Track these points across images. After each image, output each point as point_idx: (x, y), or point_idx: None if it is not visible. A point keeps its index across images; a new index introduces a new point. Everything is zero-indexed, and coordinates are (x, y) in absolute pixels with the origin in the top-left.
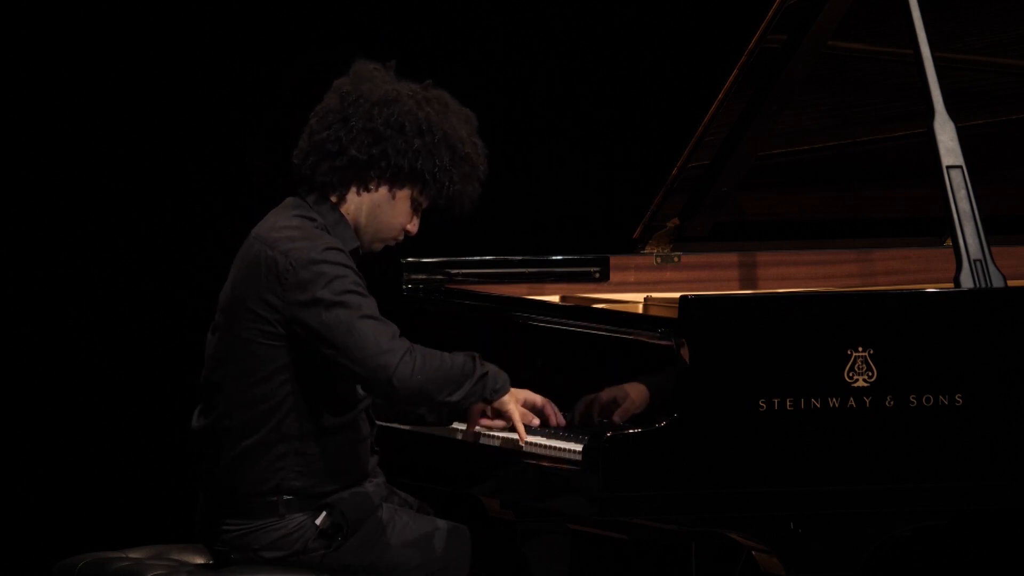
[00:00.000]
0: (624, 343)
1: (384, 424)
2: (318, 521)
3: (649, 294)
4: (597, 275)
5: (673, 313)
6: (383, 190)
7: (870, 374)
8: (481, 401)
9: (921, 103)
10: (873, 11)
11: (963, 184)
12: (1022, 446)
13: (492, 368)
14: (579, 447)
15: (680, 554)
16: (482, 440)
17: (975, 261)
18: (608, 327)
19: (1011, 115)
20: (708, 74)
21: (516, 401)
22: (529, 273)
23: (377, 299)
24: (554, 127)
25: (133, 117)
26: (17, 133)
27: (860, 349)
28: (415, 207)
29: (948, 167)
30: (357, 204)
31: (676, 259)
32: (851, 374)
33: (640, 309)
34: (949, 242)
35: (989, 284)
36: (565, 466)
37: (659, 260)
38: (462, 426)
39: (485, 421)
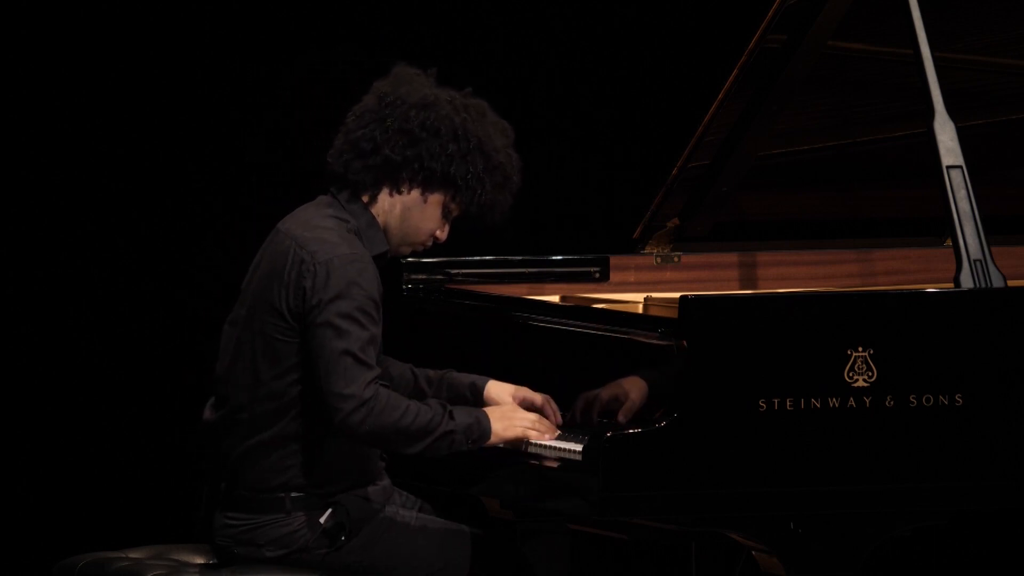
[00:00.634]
0: (624, 343)
1: None
2: (322, 520)
3: (649, 294)
4: (597, 275)
5: (673, 313)
6: (415, 193)
7: (870, 374)
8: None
9: (921, 103)
10: (873, 11)
11: (963, 184)
12: (1022, 446)
13: (465, 421)
14: (579, 447)
15: (680, 554)
16: None
17: (975, 261)
18: (608, 327)
19: (1011, 115)
20: (708, 74)
21: (513, 426)
22: (529, 273)
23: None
24: (554, 127)
25: (133, 117)
26: (17, 133)
27: (860, 349)
28: (446, 214)
29: (948, 167)
30: (389, 205)
31: (676, 259)
32: (851, 374)
33: (640, 309)
34: (949, 242)
35: (989, 284)
36: (565, 466)
37: (659, 260)
38: None
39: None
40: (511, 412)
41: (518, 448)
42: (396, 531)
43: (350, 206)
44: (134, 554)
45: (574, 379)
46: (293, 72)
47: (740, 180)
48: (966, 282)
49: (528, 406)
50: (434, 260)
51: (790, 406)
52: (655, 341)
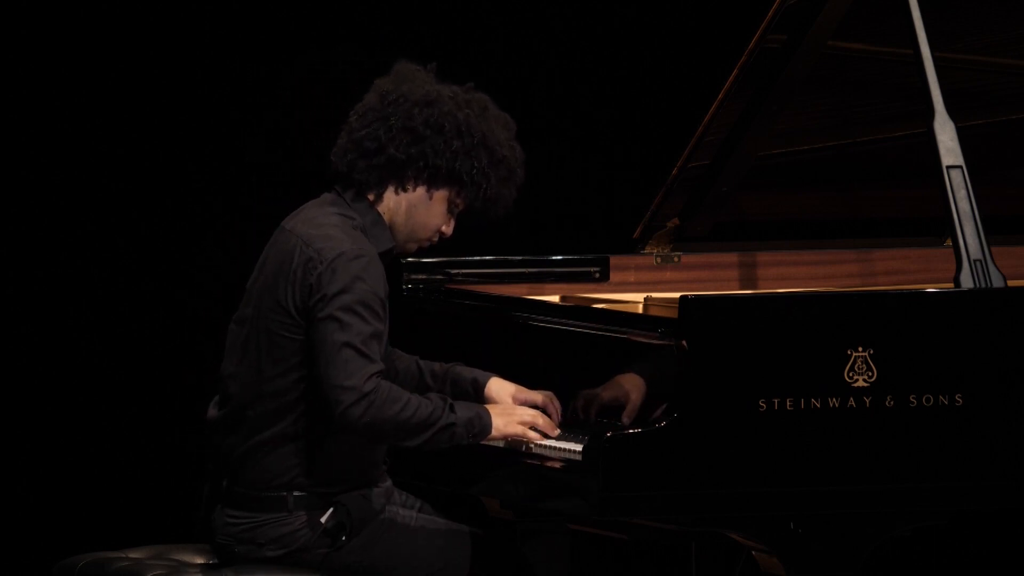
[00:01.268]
0: (624, 343)
1: None
2: (323, 519)
3: (649, 294)
4: (597, 275)
5: (673, 313)
6: (420, 190)
7: (870, 374)
8: (453, 449)
9: (921, 103)
10: (873, 11)
11: (963, 184)
12: (1022, 446)
13: (465, 415)
14: (579, 447)
15: (680, 554)
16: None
17: (975, 261)
18: (608, 327)
19: (1011, 115)
20: (708, 74)
21: (514, 423)
22: (529, 273)
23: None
24: (554, 127)
25: (133, 117)
26: (17, 133)
27: (860, 349)
28: (451, 209)
29: (948, 167)
30: (395, 203)
31: (676, 259)
32: (851, 374)
33: (640, 309)
34: (949, 242)
35: (989, 284)
36: (565, 466)
37: (659, 260)
38: None
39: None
40: (512, 408)
41: (518, 448)
42: (396, 531)
43: (356, 204)
44: (134, 554)
45: (574, 379)
46: (293, 72)
47: (740, 180)
48: (966, 282)
49: (530, 406)
50: (434, 260)
51: (790, 406)
52: (655, 341)
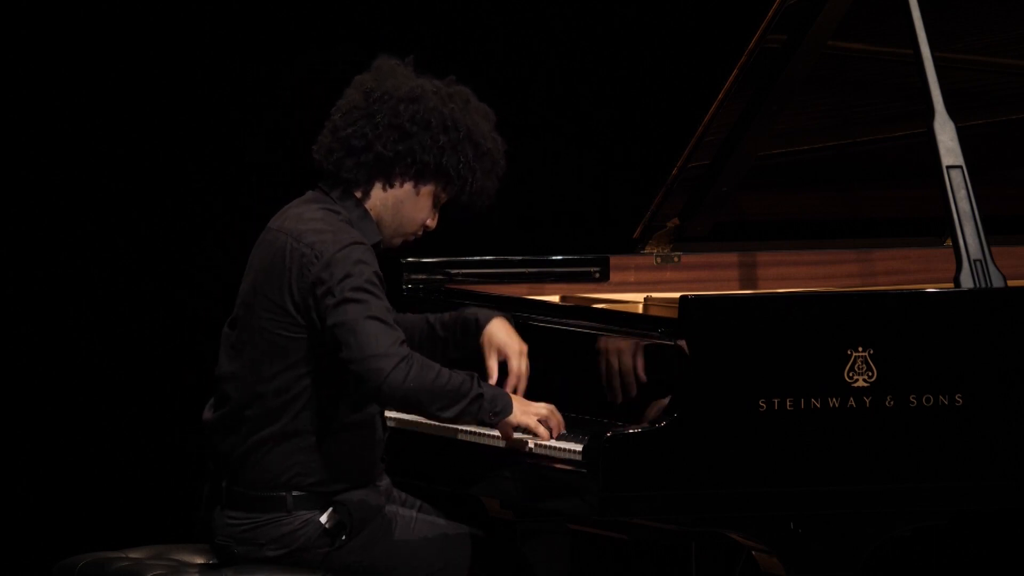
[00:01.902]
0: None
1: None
2: (323, 519)
3: (649, 294)
4: (597, 275)
5: (673, 313)
6: (408, 186)
7: (870, 374)
8: (479, 423)
9: (921, 103)
10: (873, 11)
11: (963, 184)
12: (1022, 446)
13: (491, 390)
14: (579, 447)
15: (680, 554)
16: (483, 440)
17: (975, 261)
18: (608, 327)
19: (1011, 115)
20: (708, 74)
21: (528, 413)
22: (529, 273)
23: None
24: (554, 127)
25: (133, 117)
26: (17, 133)
27: (860, 349)
28: (436, 203)
29: (948, 167)
30: (382, 200)
31: (676, 259)
32: (851, 374)
33: (640, 309)
34: (949, 242)
35: (989, 284)
36: (565, 466)
37: (659, 260)
38: (463, 427)
39: (518, 434)
40: (527, 402)
41: (518, 448)
42: (396, 531)
43: (342, 202)
44: (134, 554)
45: (574, 379)
46: (293, 72)
47: (740, 180)
48: (966, 282)
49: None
50: (434, 260)
51: (790, 406)
52: (655, 341)
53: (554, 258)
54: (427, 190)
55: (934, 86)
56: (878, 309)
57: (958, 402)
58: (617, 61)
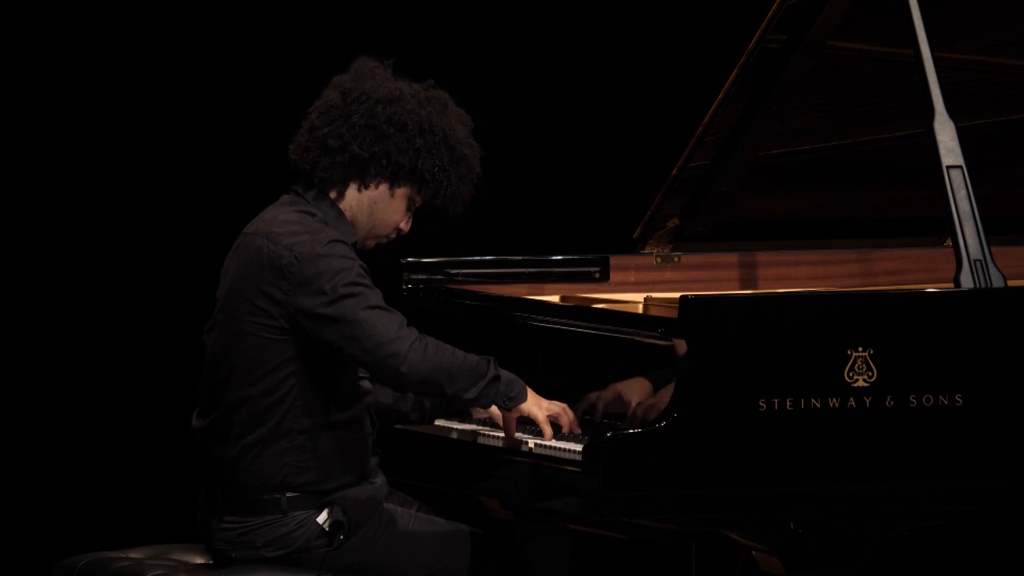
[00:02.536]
0: (624, 343)
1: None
2: (320, 519)
3: (649, 294)
4: (597, 275)
5: (673, 313)
6: (383, 187)
7: (870, 374)
8: (496, 406)
9: (921, 103)
10: (873, 11)
11: (963, 184)
12: (1022, 446)
13: (506, 374)
14: (579, 447)
15: (680, 554)
16: (482, 440)
17: (975, 261)
18: (608, 327)
19: (1011, 115)
20: (708, 74)
21: (539, 406)
22: (529, 273)
23: None
24: (554, 127)
25: (132, 117)
26: (16, 133)
27: (860, 349)
28: (410, 206)
29: (948, 167)
30: (357, 201)
31: (676, 259)
32: (851, 374)
33: (640, 309)
34: (949, 242)
35: (989, 284)
36: (565, 466)
37: (659, 260)
38: (459, 425)
39: (518, 433)
40: (540, 398)
41: (518, 447)
42: (396, 531)
43: (317, 202)
44: (134, 554)
45: (574, 379)
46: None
47: (740, 180)
48: (966, 282)
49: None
50: (434, 260)
51: (790, 406)
52: (655, 341)
53: (554, 258)
54: (402, 192)
55: (934, 86)
56: (878, 309)
57: (958, 402)
58: (617, 61)
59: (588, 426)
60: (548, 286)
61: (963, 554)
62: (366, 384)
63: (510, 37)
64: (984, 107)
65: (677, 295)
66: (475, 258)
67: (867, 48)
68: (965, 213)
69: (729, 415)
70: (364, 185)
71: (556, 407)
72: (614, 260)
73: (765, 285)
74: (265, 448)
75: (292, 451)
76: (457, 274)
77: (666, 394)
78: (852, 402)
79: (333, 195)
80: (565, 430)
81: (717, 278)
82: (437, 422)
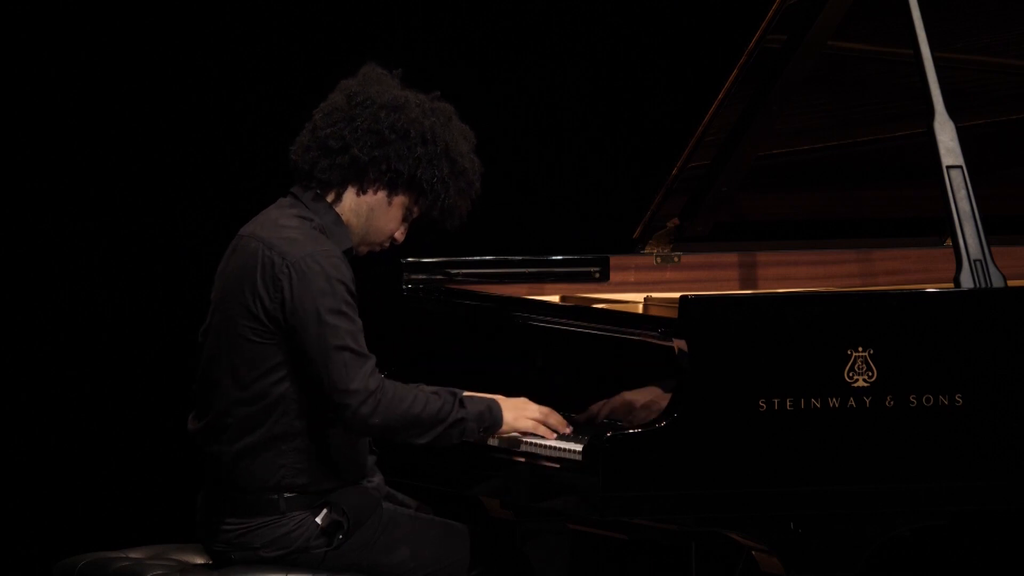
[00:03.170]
0: (624, 343)
1: None
2: (319, 519)
3: (649, 294)
4: (597, 275)
5: (673, 313)
6: (381, 194)
7: (870, 374)
8: (463, 441)
9: (921, 103)
10: (873, 11)
11: (963, 184)
12: (1022, 446)
13: (476, 408)
14: (579, 447)
15: (680, 554)
16: (483, 441)
17: (975, 261)
18: (608, 327)
19: (1011, 115)
20: (708, 74)
21: (525, 417)
22: (529, 273)
23: (377, 299)
24: (554, 127)
25: (133, 117)
26: (17, 133)
27: (860, 349)
28: (407, 216)
29: (948, 167)
30: (354, 205)
31: (676, 259)
32: (851, 374)
33: (640, 309)
34: (949, 242)
35: (989, 284)
36: (566, 466)
37: (659, 260)
38: None
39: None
40: (523, 404)
41: (518, 448)
42: (396, 531)
43: (314, 204)
44: (134, 554)
45: (574, 379)
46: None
47: (740, 180)
48: (966, 282)
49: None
50: (434, 260)
51: (790, 406)
52: (655, 341)
53: (554, 258)
54: (399, 201)
55: (934, 86)
56: (878, 309)
57: (958, 402)
58: (617, 61)
59: (588, 426)
60: (548, 286)
61: (963, 554)
62: None
63: (510, 37)
64: (984, 107)
65: (677, 295)
66: (475, 258)
67: (867, 48)
68: (965, 213)
69: (729, 415)
70: (362, 190)
71: (539, 413)
72: (614, 260)
73: (765, 285)
74: (261, 451)
75: (288, 453)
76: (457, 274)
77: (666, 394)
78: (852, 402)
79: (330, 198)
80: (553, 435)
81: (717, 278)
82: None
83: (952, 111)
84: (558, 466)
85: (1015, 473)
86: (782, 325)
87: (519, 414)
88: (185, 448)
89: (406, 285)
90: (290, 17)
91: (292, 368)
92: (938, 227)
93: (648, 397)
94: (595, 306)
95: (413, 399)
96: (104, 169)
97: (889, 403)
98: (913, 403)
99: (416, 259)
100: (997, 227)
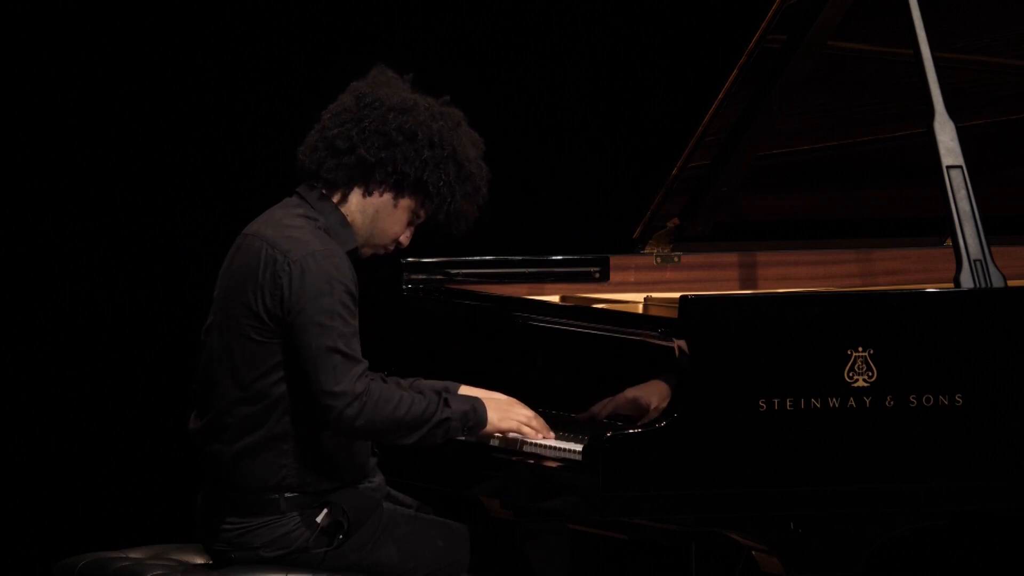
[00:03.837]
0: (624, 343)
1: None
2: (319, 519)
3: (649, 294)
4: (597, 275)
5: (673, 313)
6: (387, 196)
7: (870, 374)
8: (447, 441)
9: (921, 103)
10: (873, 11)
11: (963, 184)
12: (1022, 446)
13: (461, 407)
14: (579, 447)
15: (680, 554)
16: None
17: (975, 261)
18: (608, 327)
19: (1011, 115)
20: (708, 74)
21: (509, 418)
22: (529, 273)
23: (377, 299)
24: (554, 127)
25: (133, 117)
26: (17, 133)
27: (860, 349)
28: (412, 219)
29: (948, 167)
30: (360, 206)
31: (676, 259)
32: (851, 374)
33: (640, 309)
34: (949, 242)
35: (989, 284)
36: (565, 466)
37: (659, 260)
38: None
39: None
40: (508, 405)
41: (518, 448)
42: (396, 531)
43: (320, 204)
44: (134, 554)
45: (574, 379)
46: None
47: (740, 180)
48: (966, 282)
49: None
50: (434, 260)
51: (790, 406)
52: (655, 341)
53: (554, 258)
54: (405, 204)
55: (934, 86)
56: (878, 309)
57: (958, 402)
58: (617, 61)
59: (588, 426)
60: (548, 286)
61: (963, 554)
62: None
63: (510, 37)
64: (984, 107)
65: (677, 295)
66: (475, 258)
67: (867, 48)
68: (965, 213)
69: (729, 415)
70: (368, 191)
71: (523, 414)
72: (614, 260)
73: (765, 285)
74: (262, 450)
75: (288, 453)
76: (457, 274)
77: (666, 394)
78: (852, 402)
79: (336, 198)
80: (537, 435)
81: (717, 278)
82: None
83: (952, 111)
84: (558, 466)
85: (1015, 473)
86: (782, 325)
87: (504, 415)
88: (185, 448)
89: (406, 285)
90: (291, 18)
91: (293, 368)
92: (938, 227)
93: (648, 397)
94: (595, 306)
95: (399, 401)
96: (104, 169)
97: (889, 403)
98: (913, 403)
99: (416, 259)
100: (997, 227)
